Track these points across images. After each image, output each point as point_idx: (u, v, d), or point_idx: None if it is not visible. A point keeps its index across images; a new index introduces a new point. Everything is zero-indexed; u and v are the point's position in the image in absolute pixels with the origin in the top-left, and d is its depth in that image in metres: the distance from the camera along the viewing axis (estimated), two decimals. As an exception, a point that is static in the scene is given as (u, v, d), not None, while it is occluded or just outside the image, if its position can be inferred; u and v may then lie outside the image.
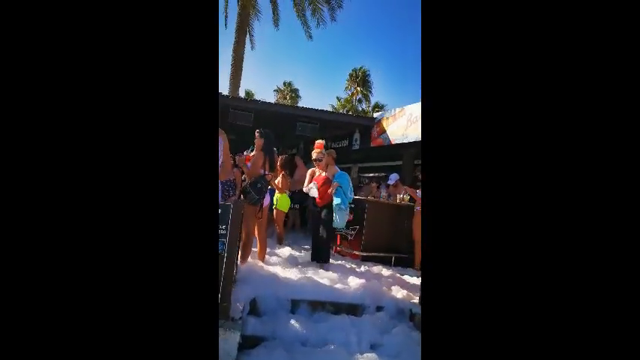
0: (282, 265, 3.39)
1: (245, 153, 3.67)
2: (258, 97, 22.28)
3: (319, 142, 3.71)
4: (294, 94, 28.06)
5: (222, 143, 2.37)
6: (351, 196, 3.58)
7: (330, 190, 3.46)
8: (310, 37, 11.31)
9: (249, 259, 3.21)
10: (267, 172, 3.06)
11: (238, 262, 2.75)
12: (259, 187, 2.92)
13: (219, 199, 3.15)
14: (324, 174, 3.63)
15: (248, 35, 11.30)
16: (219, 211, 2.00)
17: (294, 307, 2.58)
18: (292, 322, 2.41)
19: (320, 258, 3.58)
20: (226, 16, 11.77)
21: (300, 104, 23.05)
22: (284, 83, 28.69)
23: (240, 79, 10.97)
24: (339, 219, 3.49)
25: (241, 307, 2.25)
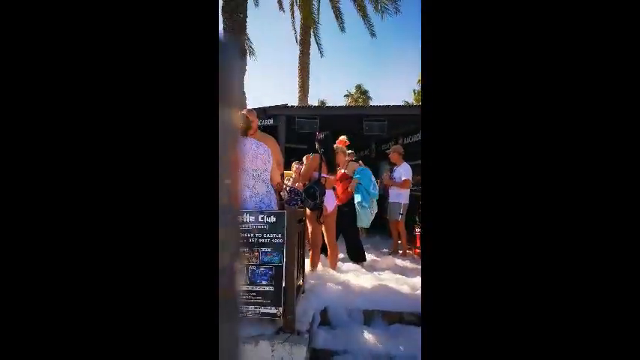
0: (355, 272, 3.21)
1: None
2: (330, 104, 22.58)
3: (341, 138, 3.58)
4: (365, 95, 27.79)
5: (269, 150, 2.33)
6: (375, 192, 3.33)
7: (349, 188, 3.25)
8: (374, 34, 11.06)
9: (320, 267, 3.11)
10: (325, 175, 2.93)
11: (306, 271, 2.66)
12: (312, 192, 2.80)
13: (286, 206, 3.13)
14: (342, 170, 3.46)
15: (316, 44, 11.55)
16: (274, 219, 1.94)
17: (368, 318, 2.37)
18: (366, 335, 2.21)
19: (355, 258, 3.46)
20: (295, 31, 12.16)
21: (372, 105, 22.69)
22: (356, 87, 28.70)
23: (308, 89, 11.23)
24: (363, 217, 3.30)
25: (310, 320, 2.14)
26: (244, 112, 2.39)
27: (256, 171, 2.18)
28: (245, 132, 2.29)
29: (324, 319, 2.34)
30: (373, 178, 3.43)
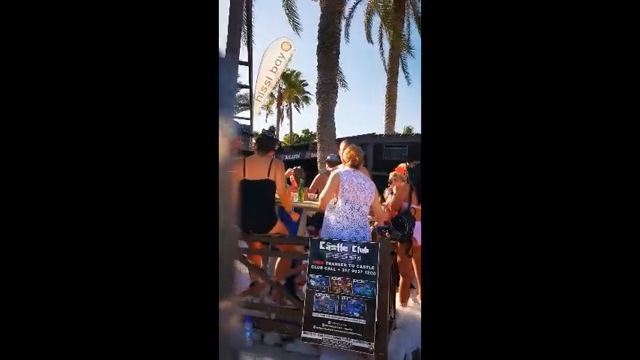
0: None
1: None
2: (417, 132, 21.97)
3: (401, 165, 3.28)
4: (456, 121, 26.41)
5: (374, 187, 2.34)
6: None
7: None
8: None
9: (411, 302, 2.95)
10: (414, 206, 2.83)
11: (397, 305, 2.56)
12: (400, 222, 2.70)
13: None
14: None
15: (403, 72, 11.60)
16: (367, 251, 1.94)
17: (468, 366, 2.15)
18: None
19: None
20: (384, 61, 12.39)
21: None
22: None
23: (395, 117, 11.20)
24: None
25: (402, 358, 2.03)
26: (353, 146, 2.47)
27: (358, 204, 2.24)
28: (357, 165, 2.35)
29: (416, 359, 2.20)
30: None
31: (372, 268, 1.90)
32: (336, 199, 2.27)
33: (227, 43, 2.05)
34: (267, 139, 2.54)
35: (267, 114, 27.52)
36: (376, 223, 3.40)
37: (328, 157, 3.60)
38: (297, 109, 28.71)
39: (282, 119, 27.84)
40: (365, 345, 1.85)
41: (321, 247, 2.01)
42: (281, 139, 27.17)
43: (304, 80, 27.76)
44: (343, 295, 1.93)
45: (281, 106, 27.19)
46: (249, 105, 6.28)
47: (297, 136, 29.87)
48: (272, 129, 5.63)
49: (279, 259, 2.52)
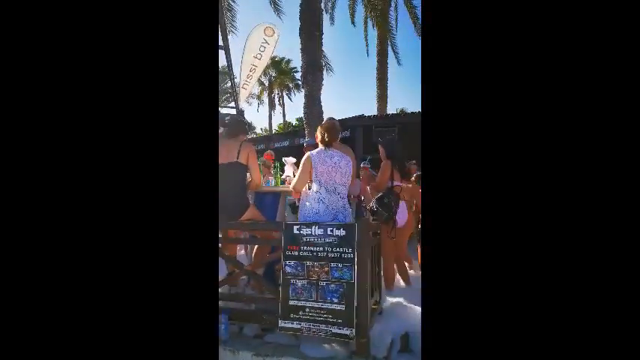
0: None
1: (362, 164, 3.52)
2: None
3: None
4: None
5: (350, 164, 2.19)
6: None
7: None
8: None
9: (402, 284, 2.85)
10: (398, 183, 2.66)
11: (382, 289, 2.44)
12: (386, 202, 2.53)
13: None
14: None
15: (393, 53, 11.32)
16: (344, 232, 1.81)
17: (458, 348, 2.05)
18: (455, 368, 1.89)
19: None
20: (367, 45, 12.22)
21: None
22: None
23: (387, 99, 10.99)
24: None
25: (387, 345, 1.93)
26: (330, 121, 2.29)
27: (333, 185, 2.09)
28: (329, 143, 2.17)
29: (405, 345, 2.09)
30: None
31: (350, 250, 1.77)
32: (310, 183, 2.12)
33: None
34: (236, 123, 2.38)
35: (258, 103, 27.11)
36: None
37: (305, 143, 3.45)
38: (289, 97, 28.31)
39: (275, 108, 27.45)
40: (345, 331, 1.73)
41: (295, 232, 1.88)
42: (275, 128, 26.85)
43: (295, 67, 27.28)
44: (321, 280, 1.81)
45: (272, 95, 26.78)
46: (236, 94, 6.09)
47: (291, 124, 29.57)
48: (241, 112, 5.45)
49: (256, 246, 2.40)
